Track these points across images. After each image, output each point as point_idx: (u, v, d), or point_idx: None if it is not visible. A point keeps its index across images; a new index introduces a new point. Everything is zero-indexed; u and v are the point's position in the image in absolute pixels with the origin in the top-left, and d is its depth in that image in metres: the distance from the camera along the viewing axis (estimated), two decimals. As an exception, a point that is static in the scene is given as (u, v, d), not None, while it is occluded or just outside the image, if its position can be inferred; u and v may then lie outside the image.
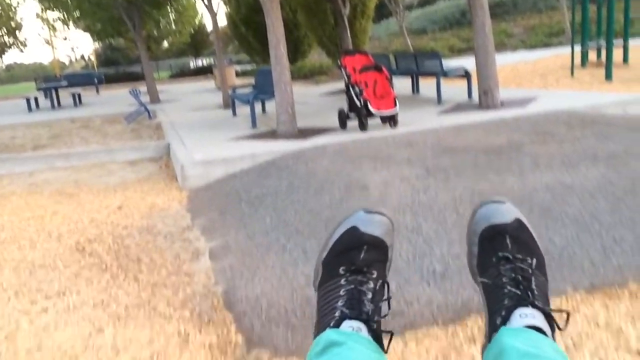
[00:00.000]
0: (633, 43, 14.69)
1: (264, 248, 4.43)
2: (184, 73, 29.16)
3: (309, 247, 4.27)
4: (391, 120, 8.06)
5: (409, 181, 5.44)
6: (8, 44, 34.86)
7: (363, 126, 7.99)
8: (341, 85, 9.75)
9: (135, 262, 4.47)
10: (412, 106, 10.04)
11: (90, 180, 7.66)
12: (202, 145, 7.99)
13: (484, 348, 1.05)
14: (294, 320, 3.26)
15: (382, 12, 31.33)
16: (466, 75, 10.36)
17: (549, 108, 8.35)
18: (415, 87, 12.26)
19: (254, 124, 9.36)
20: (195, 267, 4.29)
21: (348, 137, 7.70)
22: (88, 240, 5.07)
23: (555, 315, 1.03)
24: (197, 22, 30.15)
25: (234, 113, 11.29)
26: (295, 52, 21.04)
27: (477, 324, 3.02)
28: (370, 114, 7.90)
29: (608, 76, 11.69)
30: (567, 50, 15.72)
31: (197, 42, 38.54)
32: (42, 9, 22.28)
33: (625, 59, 13.98)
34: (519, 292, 1.00)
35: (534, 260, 1.07)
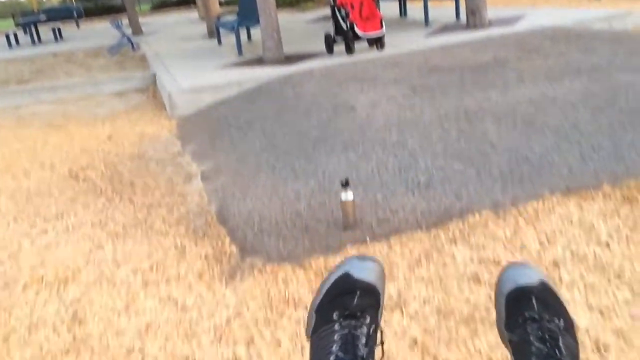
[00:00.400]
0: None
1: (254, 169, 4.54)
2: (166, 4, 28.21)
3: (298, 166, 4.39)
4: (378, 43, 7.99)
5: (396, 100, 5.49)
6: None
7: (350, 50, 7.92)
8: (328, 12, 9.56)
9: (129, 186, 4.58)
10: (399, 29, 9.90)
11: (78, 112, 7.64)
12: (188, 74, 7.93)
13: None
14: (285, 230, 3.42)
15: None
16: (454, -5, 10.16)
17: (536, 25, 8.29)
18: (403, 10, 12.03)
19: (239, 51, 9.23)
20: (188, 189, 4.41)
21: (335, 60, 7.65)
22: (81, 167, 5.15)
23: None
24: (176, -51, 28.85)
25: (219, 42, 11.09)
26: (280, -22, 20.31)
27: (458, 227, 3.18)
28: (356, 37, 7.81)
29: (598, -7, 11.49)
30: (558, -33, 15.30)
31: (178, -28, 37.03)
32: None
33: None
34: (546, 349, 1.00)
35: (562, 321, 1.07)
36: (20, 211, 4.30)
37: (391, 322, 2.44)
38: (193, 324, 2.62)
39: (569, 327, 1.08)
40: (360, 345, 1.02)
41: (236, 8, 11.22)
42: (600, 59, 5.96)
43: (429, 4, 10.14)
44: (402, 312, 2.50)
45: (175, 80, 7.59)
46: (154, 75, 8.69)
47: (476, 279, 2.66)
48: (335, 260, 2.99)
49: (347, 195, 3.27)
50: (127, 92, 8.58)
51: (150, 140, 5.88)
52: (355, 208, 3.33)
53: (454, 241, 3.05)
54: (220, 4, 16.70)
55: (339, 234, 3.28)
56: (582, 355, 2.07)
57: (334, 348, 1.02)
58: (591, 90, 4.97)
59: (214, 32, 11.58)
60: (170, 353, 2.43)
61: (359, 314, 1.08)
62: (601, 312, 2.31)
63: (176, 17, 21.81)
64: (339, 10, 7.94)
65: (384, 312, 1.19)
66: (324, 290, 1.14)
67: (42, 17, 17.80)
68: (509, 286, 1.12)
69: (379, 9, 8.03)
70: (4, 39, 16.31)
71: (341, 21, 7.91)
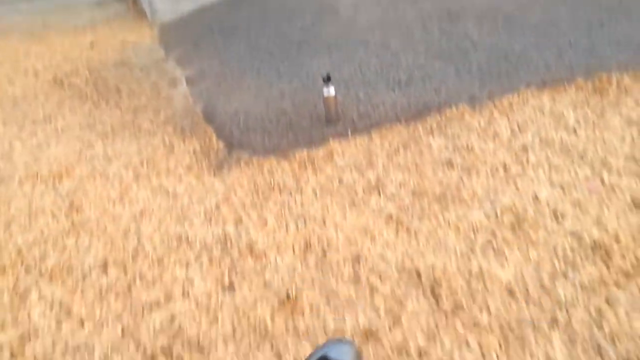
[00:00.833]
0: None
1: (239, 72, 4.58)
2: None
3: (282, 68, 4.43)
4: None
5: (379, 2, 5.45)
6: None
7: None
8: None
9: (115, 92, 4.62)
10: None
11: (58, 22, 7.47)
12: (168, -19, 7.69)
13: None
14: (270, 126, 3.54)
15: None
16: None
17: None
18: None
19: (221, -43, 8.91)
20: (173, 93, 4.46)
21: (319, -35, 7.44)
22: (65, 74, 5.14)
23: None
24: None
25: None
26: None
27: (435, 120, 3.31)
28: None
29: None
30: None
31: None
32: None
33: None
34: None
35: None
36: (8, 115, 4.36)
37: (369, 202, 2.62)
38: (184, 209, 2.79)
39: None
40: None
41: None
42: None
43: None
44: (380, 194, 2.68)
45: (155, -13, 7.38)
46: (133, -16, 8.42)
47: (449, 164, 2.82)
48: (318, 153, 3.14)
49: (330, 91, 3.36)
50: (107, 1, 8.36)
51: (133, 48, 5.84)
52: (337, 103, 3.44)
53: (430, 132, 3.20)
54: None
55: (321, 129, 3.40)
56: (540, 222, 2.27)
57: None
58: (574, -11, 4.96)
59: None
60: (165, 233, 2.61)
61: None
62: (562, 187, 2.49)
63: None
64: None
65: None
66: None
67: None
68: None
69: None
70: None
71: None
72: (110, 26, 6.90)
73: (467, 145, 2.96)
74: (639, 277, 1.93)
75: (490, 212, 2.40)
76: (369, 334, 1.90)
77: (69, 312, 2.17)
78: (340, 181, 2.84)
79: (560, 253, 2.10)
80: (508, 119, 3.18)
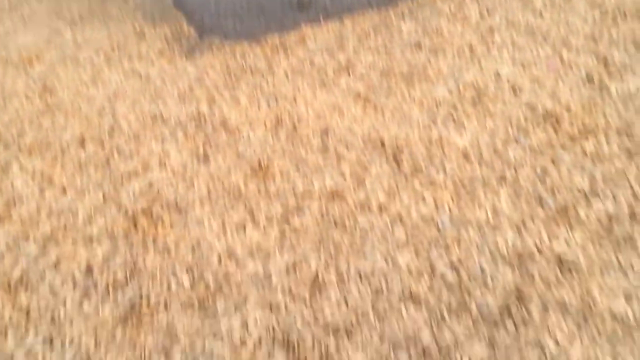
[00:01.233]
0: None
1: (209, -41, 4.43)
2: None
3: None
4: None
5: None
6: None
7: None
8: None
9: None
10: None
11: None
12: None
13: None
14: (242, 12, 3.51)
15: None
16: None
17: None
18: None
19: None
20: (142, -19, 4.33)
21: None
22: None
23: None
24: None
25: None
26: None
27: (407, 5, 3.33)
28: None
29: None
30: None
31: None
32: None
33: None
34: None
35: None
36: (-30, 4, 4.21)
37: (339, 82, 2.70)
38: (158, 90, 2.84)
39: None
40: None
41: None
42: None
43: None
44: (349, 74, 2.75)
45: None
46: None
47: (418, 46, 2.89)
48: (290, 37, 3.16)
49: (301, -26, 3.32)
50: None
51: None
52: (309, -12, 3.41)
53: (402, 17, 3.22)
54: None
55: (294, 14, 3.39)
56: (499, 96, 2.39)
57: None
58: None
59: None
60: (139, 111, 2.67)
61: None
62: (523, 65, 2.60)
63: None
64: None
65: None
66: None
67: None
68: None
69: None
70: None
71: None
72: None
73: (437, 29, 3.01)
74: (584, 140, 2.09)
75: (453, 88, 2.51)
76: (335, 195, 2.05)
77: (50, 182, 2.27)
78: (312, 63, 2.90)
79: (514, 122, 2.24)
80: (478, 3, 3.22)
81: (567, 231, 1.78)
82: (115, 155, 2.40)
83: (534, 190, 1.93)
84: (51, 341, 1.68)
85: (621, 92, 2.33)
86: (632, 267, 1.65)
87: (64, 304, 1.78)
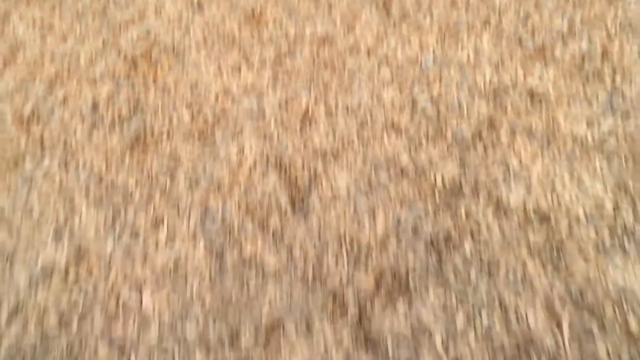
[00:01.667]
0: None
1: None
2: None
3: None
4: None
5: None
6: None
7: None
8: None
9: None
10: None
11: None
12: None
13: None
14: None
15: None
16: None
17: None
18: None
19: None
20: None
21: None
22: None
23: None
24: None
25: None
26: None
27: None
28: None
29: None
30: None
31: None
32: None
33: None
34: None
35: None
36: None
37: None
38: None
39: None
40: None
41: None
42: None
43: None
44: None
45: None
46: None
47: None
48: None
49: None
50: None
51: None
52: None
53: None
54: None
55: None
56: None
57: None
58: None
59: None
60: (132, -36, 2.68)
61: None
62: None
63: None
64: None
65: None
66: None
67: None
68: None
69: None
70: None
71: None
72: None
73: None
74: (568, -14, 2.15)
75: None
76: (326, 40, 2.14)
77: (50, 29, 2.35)
78: None
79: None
80: None
81: (542, 68, 1.90)
82: (112, 5, 2.45)
83: (515, 32, 2.02)
84: (66, 164, 1.85)
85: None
86: (597, 97, 1.79)
87: (75, 134, 1.93)
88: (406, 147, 1.78)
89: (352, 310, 1.48)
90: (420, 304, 1.46)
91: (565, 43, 1.96)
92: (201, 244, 1.63)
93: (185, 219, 1.69)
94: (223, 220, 1.68)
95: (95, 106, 2.02)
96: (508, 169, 1.68)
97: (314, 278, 1.55)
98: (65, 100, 2.05)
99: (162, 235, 1.66)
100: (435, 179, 1.68)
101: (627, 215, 1.50)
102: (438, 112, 1.86)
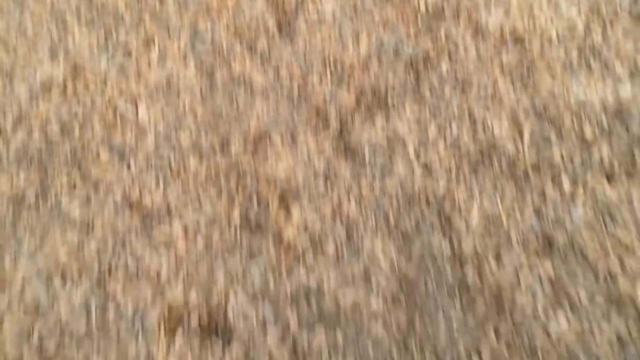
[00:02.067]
0: None
1: None
2: None
3: None
4: None
5: None
6: None
7: None
8: None
9: None
10: None
11: None
12: None
13: None
14: None
15: None
16: None
17: None
18: None
19: None
20: None
21: None
22: None
23: None
24: None
25: None
26: None
27: None
28: None
29: None
30: None
31: None
32: None
33: None
34: None
35: None
36: None
37: None
38: None
39: None
40: None
41: None
42: None
43: None
44: None
45: None
46: None
47: None
48: None
49: None
50: None
51: None
52: None
53: None
54: None
55: None
56: None
57: None
58: None
59: None
60: None
61: None
62: None
63: None
64: None
65: None
66: None
67: None
68: None
69: None
70: None
71: None
72: None
73: None
74: None
75: None
76: None
77: None
78: None
79: None
80: None
81: None
82: None
83: None
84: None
85: None
86: None
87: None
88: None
89: (333, 124, 1.59)
90: (397, 118, 1.58)
91: None
92: (192, 64, 1.70)
93: (175, 40, 1.75)
94: (212, 41, 1.74)
95: None
96: (490, -5, 1.72)
97: (299, 95, 1.65)
98: None
99: (154, 55, 1.73)
100: (418, 4, 1.72)
101: (597, 36, 1.58)
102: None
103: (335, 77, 1.66)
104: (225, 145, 1.58)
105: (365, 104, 1.61)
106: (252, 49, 1.72)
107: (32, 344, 1.28)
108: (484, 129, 1.52)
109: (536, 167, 1.44)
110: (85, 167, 1.53)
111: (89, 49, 1.74)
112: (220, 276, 1.38)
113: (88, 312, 1.33)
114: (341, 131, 1.59)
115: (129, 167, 1.54)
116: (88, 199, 1.48)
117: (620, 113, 1.48)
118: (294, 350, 1.31)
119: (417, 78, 1.62)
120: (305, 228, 1.44)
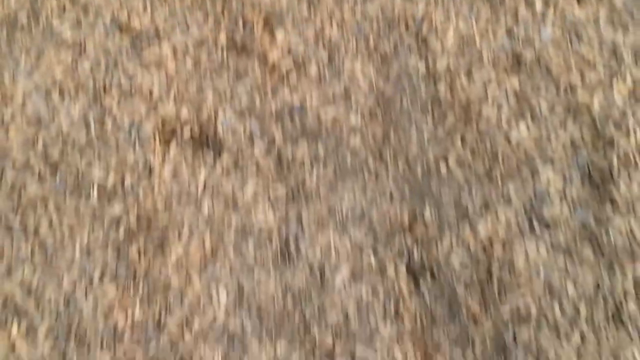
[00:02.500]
0: None
1: None
2: None
3: None
4: None
5: None
6: None
7: None
8: None
9: None
10: None
11: None
12: None
13: None
14: None
15: None
16: None
17: None
18: None
19: None
20: None
21: None
22: None
23: None
24: None
25: None
26: None
27: None
28: None
29: None
30: None
31: None
32: None
33: None
34: None
35: None
36: None
37: None
38: None
39: None
40: None
41: None
42: None
43: None
44: None
45: None
46: None
47: None
48: None
49: None
50: None
51: None
52: None
53: None
54: None
55: None
56: None
57: None
58: None
59: None
60: None
61: None
62: None
63: None
64: None
65: None
66: None
67: None
68: None
69: None
70: None
71: None
72: None
73: None
74: None
75: None
76: None
77: None
78: None
79: None
80: None
81: None
82: None
83: None
84: None
85: None
86: None
87: None
88: None
89: (317, -48, 1.60)
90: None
91: None
92: None
93: None
94: None
95: None
96: None
97: None
98: None
99: None
100: None
101: None
102: None
103: None
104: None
105: None
106: None
107: (37, 151, 1.40)
108: (463, -46, 1.54)
109: (512, -9, 1.48)
110: (72, -9, 1.56)
111: None
112: (209, 95, 1.47)
113: (87, 125, 1.43)
114: (324, -41, 1.60)
115: (115, -9, 1.56)
116: (78, 22, 1.52)
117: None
118: (279, 161, 1.44)
119: None
120: (289, 51, 1.51)
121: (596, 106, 1.35)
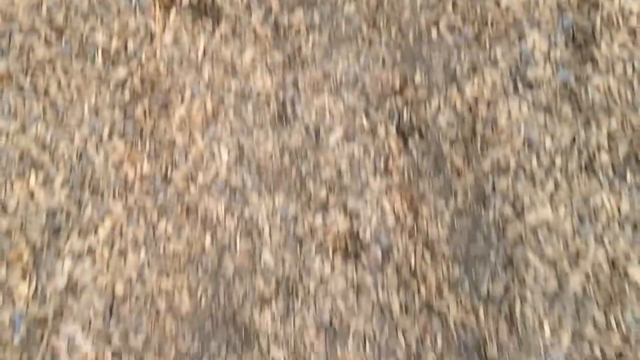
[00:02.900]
0: None
1: None
2: None
3: None
4: None
5: None
6: None
7: None
8: None
9: None
10: None
11: None
12: None
13: None
14: None
15: None
16: None
17: None
18: None
19: None
20: None
21: None
22: None
23: None
24: None
25: None
26: None
27: None
28: None
29: None
30: None
31: None
32: None
33: None
34: None
35: None
36: None
37: None
38: None
39: None
40: None
41: None
42: None
43: None
44: None
45: None
46: None
47: None
48: None
49: None
50: None
51: None
52: None
53: None
54: None
55: None
56: None
57: None
58: None
59: None
60: None
61: None
62: None
63: None
64: None
65: None
66: None
67: None
68: None
69: None
70: None
71: None
72: None
73: None
74: None
75: None
76: None
77: None
78: None
79: None
80: None
81: None
82: None
83: None
84: None
85: None
86: None
87: None
88: None
89: None
90: None
91: None
92: None
93: None
94: None
95: None
96: None
97: None
98: None
99: None
100: None
101: None
102: None
103: None
104: None
105: None
106: None
107: (42, 16, 1.44)
108: None
109: None
110: None
111: None
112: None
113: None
114: None
115: None
116: None
117: None
118: (276, 28, 1.48)
119: None
120: None
121: (584, -31, 1.38)
